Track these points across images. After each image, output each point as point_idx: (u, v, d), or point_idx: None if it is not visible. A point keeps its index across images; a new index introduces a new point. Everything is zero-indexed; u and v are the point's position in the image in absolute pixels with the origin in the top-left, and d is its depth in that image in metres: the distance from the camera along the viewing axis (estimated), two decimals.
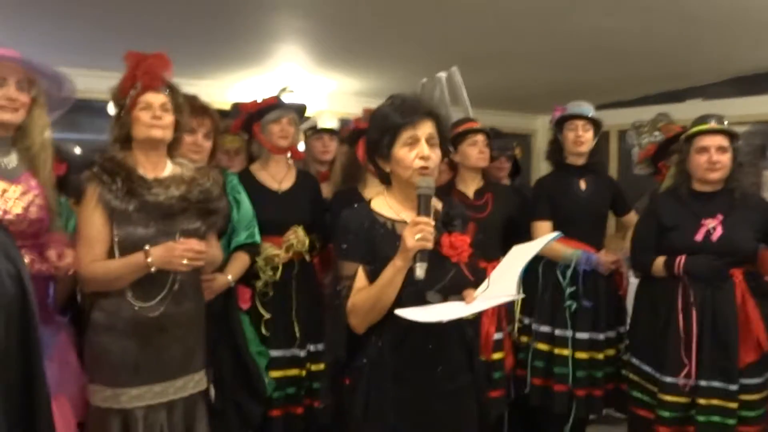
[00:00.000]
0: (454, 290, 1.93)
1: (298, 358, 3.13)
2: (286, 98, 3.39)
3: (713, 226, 2.84)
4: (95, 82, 5.32)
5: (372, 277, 1.92)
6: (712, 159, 2.83)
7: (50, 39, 4.63)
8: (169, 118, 2.31)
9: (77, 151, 3.08)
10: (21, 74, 2.19)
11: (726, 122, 2.90)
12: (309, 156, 3.92)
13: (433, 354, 1.97)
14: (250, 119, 3.24)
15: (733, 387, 2.77)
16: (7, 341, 1.75)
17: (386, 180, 2.06)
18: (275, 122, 3.18)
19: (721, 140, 2.85)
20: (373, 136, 2.03)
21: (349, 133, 3.53)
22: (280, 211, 3.15)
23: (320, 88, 6.13)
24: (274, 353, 3.06)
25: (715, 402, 2.79)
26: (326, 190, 3.48)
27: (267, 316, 3.06)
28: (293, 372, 3.11)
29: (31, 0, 3.87)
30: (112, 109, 5.43)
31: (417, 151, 1.93)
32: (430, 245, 1.80)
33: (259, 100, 3.28)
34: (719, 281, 2.81)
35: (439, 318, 1.84)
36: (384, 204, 2.04)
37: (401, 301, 1.87)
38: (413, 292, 1.88)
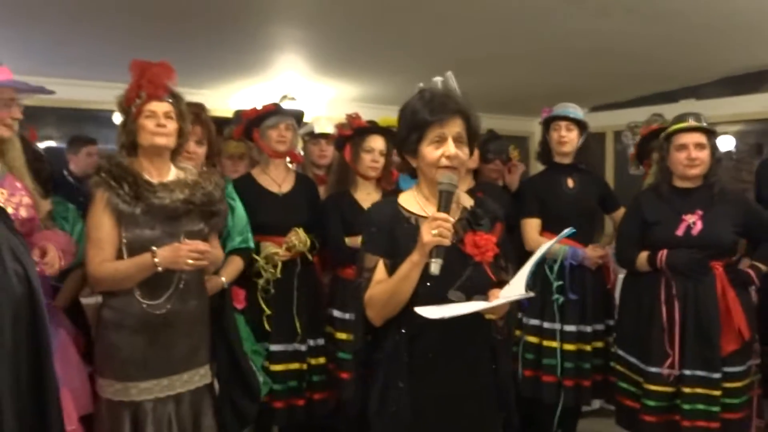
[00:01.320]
0: (475, 290, 1.88)
1: (300, 352, 3.26)
2: (286, 105, 3.52)
3: (693, 221, 2.95)
4: (100, 93, 5.50)
5: (392, 271, 1.89)
6: (691, 155, 2.94)
7: (55, 52, 4.78)
8: (172, 126, 2.42)
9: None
10: (10, 94, 2.28)
11: (704, 120, 3.01)
12: (307, 160, 4.05)
13: (452, 353, 1.94)
14: (250, 125, 3.38)
15: (716, 375, 2.87)
16: (17, 340, 1.84)
17: (414, 175, 2.04)
18: (273, 128, 3.32)
19: (699, 137, 2.96)
20: (401, 133, 1.99)
21: (335, 139, 3.65)
22: (280, 213, 3.28)
23: (319, 95, 6.27)
24: (277, 348, 3.19)
25: (699, 390, 2.89)
26: (324, 193, 3.61)
27: (269, 312, 3.20)
28: (295, 366, 3.24)
29: (36, 14, 4.01)
30: (117, 118, 5.56)
31: (443, 150, 1.89)
32: (446, 242, 1.76)
33: (259, 108, 3.41)
34: (700, 274, 2.91)
35: (450, 314, 1.76)
36: (412, 199, 2.01)
37: (417, 296, 1.84)
38: (430, 288, 1.84)
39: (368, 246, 1.98)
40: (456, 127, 1.92)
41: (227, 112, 4.88)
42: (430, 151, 1.91)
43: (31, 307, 1.89)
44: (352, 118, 3.53)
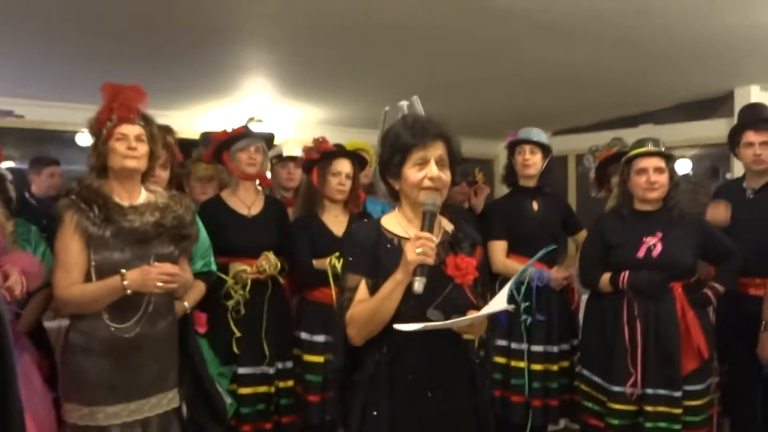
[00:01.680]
0: (454, 309, 1.89)
1: (268, 375, 3.26)
2: (253, 127, 3.54)
3: (653, 243, 3.03)
4: (63, 114, 5.45)
5: (373, 291, 1.91)
6: (651, 179, 3.03)
7: (18, 72, 4.73)
8: (143, 149, 2.43)
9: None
10: None
11: (662, 146, 3.12)
12: (275, 182, 4.07)
13: (431, 375, 1.96)
14: (220, 148, 3.39)
15: (677, 394, 2.93)
16: None
17: (396, 197, 2.07)
18: (243, 150, 3.34)
19: (658, 162, 3.05)
20: (384, 155, 2.02)
21: (303, 162, 3.68)
22: (250, 235, 3.29)
23: (286, 118, 6.30)
24: (245, 370, 3.20)
25: (661, 408, 2.94)
26: (292, 215, 3.63)
27: (238, 334, 3.19)
28: (263, 389, 3.25)
29: (2, 36, 3.98)
30: (81, 139, 5.50)
31: (426, 171, 1.92)
32: (430, 260, 1.79)
33: (229, 130, 3.43)
34: (660, 294, 2.99)
35: (427, 327, 1.79)
36: (394, 221, 2.04)
37: (400, 316, 1.86)
38: (412, 308, 1.86)
39: (350, 266, 2.00)
40: (438, 150, 1.95)
41: (194, 134, 4.89)
42: (413, 173, 1.94)
43: None
44: (319, 142, 3.56)
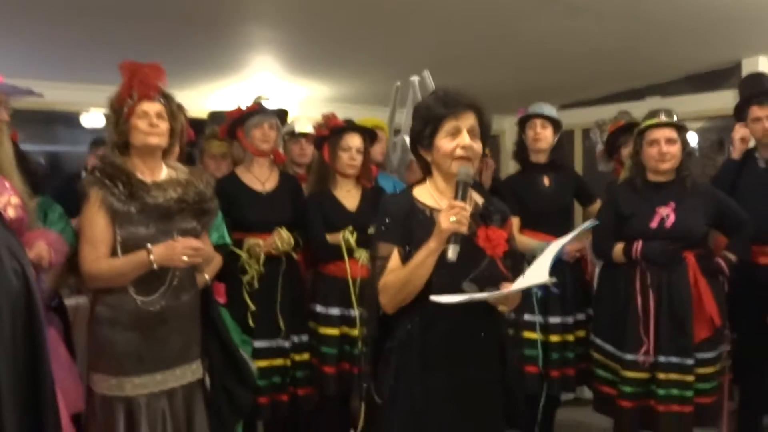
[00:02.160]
0: (488, 282, 1.91)
1: (283, 348, 3.31)
2: (264, 104, 3.56)
3: (667, 214, 3.06)
4: (69, 95, 5.46)
5: (406, 260, 1.94)
6: (662, 150, 3.05)
7: (23, 53, 4.74)
8: (164, 125, 2.45)
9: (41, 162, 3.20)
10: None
11: (675, 116, 3.13)
12: (288, 159, 4.09)
13: (462, 343, 1.99)
14: (234, 124, 3.41)
15: (689, 361, 2.99)
16: (15, 336, 1.85)
17: (427, 170, 2.09)
18: (257, 127, 3.35)
19: (670, 133, 3.07)
20: (416, 127, 2.05)
21: (314, 138, 3.71)
22: (264, 211, 3.32)
23: (291, 95, 6.30)
24: (260, 344, 3.24)
25: (673, 376, 3.00)
26: (305, 191, 3.65)
27: (253, 308, 3.23)
28: (278, 362, 3.29)
29: (5, 16, 3.98)
30: (86, 120, 5.53)
31: (458, 141, 1.95)
32: (464, 229, 1.81)
33: (243, 107, 3.44)
34: (673, 264, 3.03)
35: (463, 300, 1.83)
36: (426, 192, 2.06)
37: (432, 284, 1.89)
38: (443, 277, 1.89)
39: (382, 235, 2.02)
40: (470, 120, 1.98)
41: (202, 113, 4.90)
42: (445, 143, 1.97)
43: (28, 303, 1.90)
44: (329, 118, 3.59)
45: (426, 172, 2.12)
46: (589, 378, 3.51)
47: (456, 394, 2.00)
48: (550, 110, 3.71)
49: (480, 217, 2.03)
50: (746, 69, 5.41)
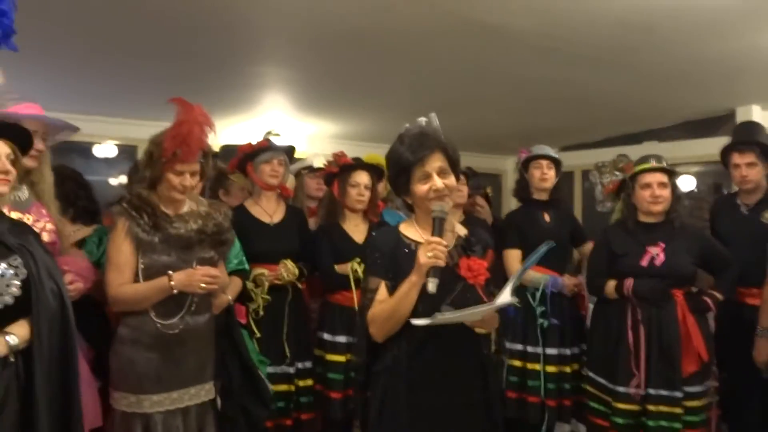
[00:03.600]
0: (466, 306, 2.01)
1: (288, 374, 3.46)
2: (272, 140, 3.74)
3: (656, 253, 3.23)
4: (85, 126, 5.66)
5: (392, 292, 2.07)
6: (655, 193, 3.23)
7: (47, 87, 4.94)
8: (195, 181, 2.61)
9: None
10: (42, 127, 2.53)
11: (664, 162, 3.31)
12: (302, 192, 4.26)
13: (446, 368, 2.10)
14: (245, 159, 3.59)
15: (678, 394, 3.12)
16: (51, 352, 2.01)
17: (412, 209, 2.23)
18: (267, 162, 3.53)
19: (662, 177, 3.26)
20: (391, 177, 2.20)
21: (324, 175, 3.90)
22: (272, 242, 3.49)
23: (299, 132, 6.51)
24: (267, 369, 3.37)
25: (662, 408, 3.13)
26: (315, 224, 3.83)
27: (258, 335, 3.38)
28: (283, 387, 3.44)
29: (31, 51, 4.19)
30: (99, 150, 5.68)
31: (430, 185, 2.08)
32: (441, 263, 1.95)
33: (254, 143, 3.63)
34: (663, 301, 3.18)
35: (441, 320, 1.94)
36: (411, 228, 2.20)
37: (417, 313, 2.01)
38: (428, 306, 2.00)
39: (371, 269, 2.18)
40: (437, 161, 2.10)
41: (214, 147, 5.08)
42: (419, 188, 2.11)
43: (63, 322, 2.06)
44: (338, 156, 3.78)
45: (411, 209, 2.26)
46: (582, 410, 3.63)
47: (440, 417, 2.10)
48: (551, 152, 3.91)
49: (462, 248, 2.16)
50: (740, 117, 5.64)
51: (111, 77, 4.80)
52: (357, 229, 3.64)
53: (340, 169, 3.68)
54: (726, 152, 3.66)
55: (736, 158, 3.58)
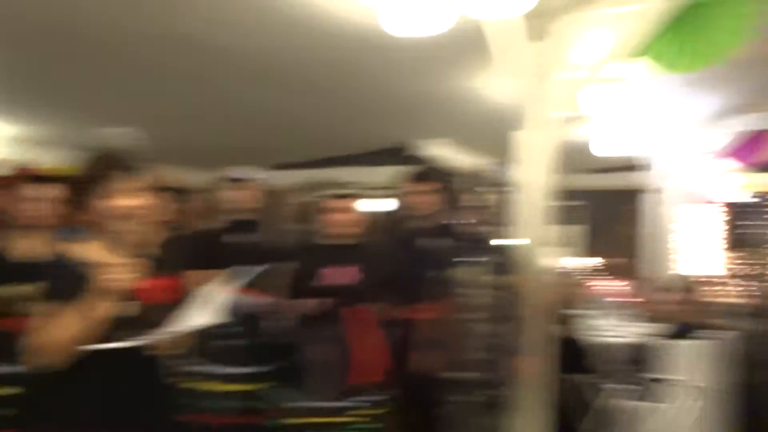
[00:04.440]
0: (147, 328, 1.97)
1: None
2: None
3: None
4: None
5: (72, 317, 1.91)
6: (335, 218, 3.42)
7: None
8: None
9: None
10: None
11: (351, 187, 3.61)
12: None
13: (123, 392, 2.02)
14: None
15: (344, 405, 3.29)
16: None
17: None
18: None
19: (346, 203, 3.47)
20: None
21: None
22: None
23: None
24: None
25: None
26: None
27: None
28: None
29: None
30: None
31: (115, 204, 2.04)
32: (119, 285, 1.90)
33: None
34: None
35: (117, 345, 1.90)
36: (92, 248, 2.04)
37: (97, 339, 1.91)
38: (107, 331, 1.92)
39: (48, 294, 2.00)
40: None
41: None
42: (105, 207, 2.04)
43: None
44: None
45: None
46: None
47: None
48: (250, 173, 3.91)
49: (150, 267, 2.07)
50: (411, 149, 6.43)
51: None
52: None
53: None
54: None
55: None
